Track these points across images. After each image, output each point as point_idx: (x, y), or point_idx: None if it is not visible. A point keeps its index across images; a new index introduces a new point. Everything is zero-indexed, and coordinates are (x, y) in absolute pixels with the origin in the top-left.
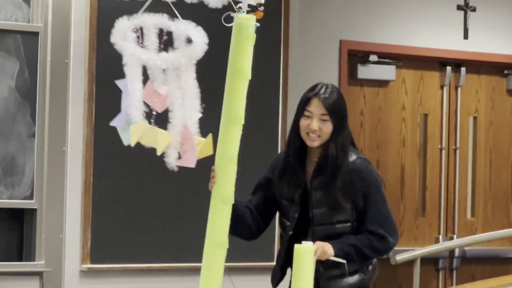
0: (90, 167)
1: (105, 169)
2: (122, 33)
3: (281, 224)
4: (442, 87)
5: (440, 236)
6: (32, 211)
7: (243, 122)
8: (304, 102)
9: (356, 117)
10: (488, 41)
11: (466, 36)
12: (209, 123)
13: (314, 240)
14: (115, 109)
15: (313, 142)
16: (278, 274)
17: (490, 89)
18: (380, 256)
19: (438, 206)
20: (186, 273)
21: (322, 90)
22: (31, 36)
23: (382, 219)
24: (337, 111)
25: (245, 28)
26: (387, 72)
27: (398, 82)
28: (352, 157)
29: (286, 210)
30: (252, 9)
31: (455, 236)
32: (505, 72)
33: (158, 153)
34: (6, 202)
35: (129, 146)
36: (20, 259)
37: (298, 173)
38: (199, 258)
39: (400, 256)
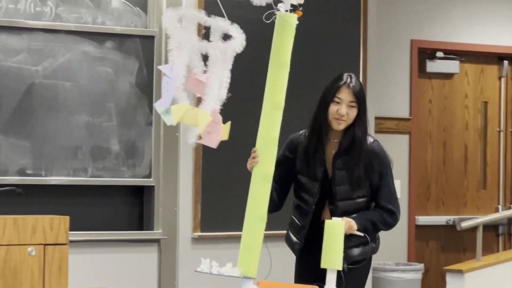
0: (200, 150)
1: (212, 152)
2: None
3: (300, 198)
4: (500, 78)
5: (500, 206)
6: (151, 188)
7: (283, 107)
8: (335, 90)
9: (426, 105)
10: None
11: None
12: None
13: (334, 214)
14: None
15: (340, 125)
16: (302, 242)
17: None
18: (387, 229)
19: (497, 180)
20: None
21: (349, 80)
22: (148, 39)
23: (392, 196)
24: (362, 99)
25: (289, 25)
26: (451, 66)
27: (462, 75)
28: (370, 140)
29: (307, 186)
30: (294, 8)
31: None
32: None
33: (200, 131)
34: (129, 180)
35: (238, 129)
36: (141, 228)
37: (321, 152)
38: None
39: (465, 223)
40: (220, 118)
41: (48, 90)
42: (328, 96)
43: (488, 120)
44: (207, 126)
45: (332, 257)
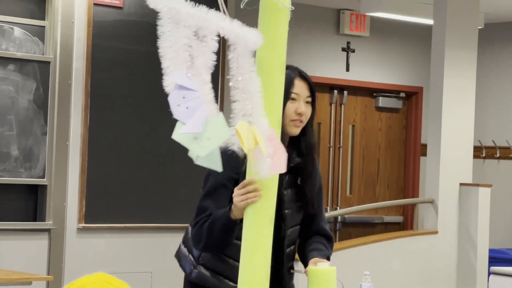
0: (86, 155)
1: (96, 156)
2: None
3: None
4: (330, 104)
5: (328, 207)
6: (44, 187)
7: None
8: (289, 84)
9: None
10: (362, 72)
11: (347, 69)
12: None
13: (282, 242)
14: (102, 116)
15: (298, 128)
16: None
17: (363, 106)
18: None
19: (327, 187)
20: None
21: (300, 69)
22: (45, 64)
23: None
24: (315, 93)
25: (285, 11)
26: None
27: None
28: None
29: None
30: None
31: (338, 207)
32: (374, 94)
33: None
34: (26, 180)
35: (116, 139)
36: (35, 220)
37: None
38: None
39: None
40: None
41: None
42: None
43: (321, 138)
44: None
45: None
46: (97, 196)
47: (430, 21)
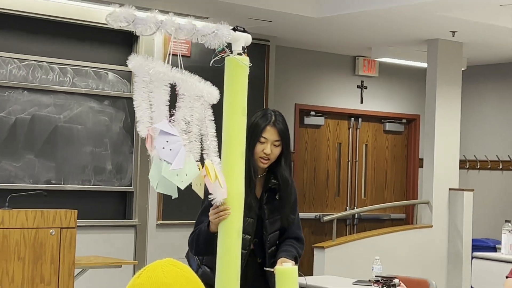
0: None
1: None
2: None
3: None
4: (348, 128)
5: (347, 207)
6: (131, 193)
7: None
8: (261, 130)
9: (303, 144)
10: (373, 104)
11: (361, 102)
12: None
13: (263, 246)
14: None
15: (265, 164)
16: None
17: (374, 130)
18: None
19: (346, 191)
20: None
21: (274, 118)
22: (131, 100)
23: (300, 225)
24: (286, 137)
25: (244, 68)
26: (319, 120)
27: (326, 126)
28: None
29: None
30: (243, 50)
31: (355, 207)
32: (382, 120)
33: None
34: (118, 188)
35: None
36: (124, 218)
37: (253, 189)
38: None
39: (326, 217)
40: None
41: (66, 130)
42: (255, 136)
43: (341, 154)
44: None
45: None
46: (171, 199)
47: (424, 64)
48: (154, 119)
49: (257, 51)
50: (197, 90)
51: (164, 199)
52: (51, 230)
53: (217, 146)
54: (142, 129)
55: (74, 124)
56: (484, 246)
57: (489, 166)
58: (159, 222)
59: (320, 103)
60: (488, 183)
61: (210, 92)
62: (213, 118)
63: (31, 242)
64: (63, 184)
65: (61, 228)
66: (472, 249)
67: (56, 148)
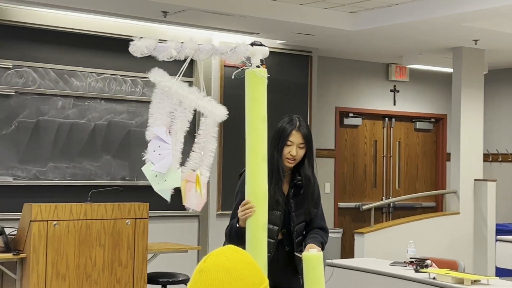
0: (221, 167)
1: (228, 168)
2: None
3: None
4: (383, 128)
5: (383, 197)
6: None
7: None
8: (288, 134)
9: (343, 142)
10: (405, 106)
11: (394, 104)
12: None
13: (291, 236)
14: (230, 141)
15: (291, 164)
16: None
17: (406, 128)
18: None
19: (382, 183)
20: None
21: (298, 123)
22: None
23: (323, 216)
24: (310, 140)
25: (263, 79)
26: (357, 121)
27: (363, 126)
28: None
29: (269, 216)
30: (261, 62)
31: (390, 197)
32: (413, 120)
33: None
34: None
35: (242, 156)
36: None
37: (280, 186)
38: None
39: (365, 206)
40: (196, 180)
41: (138, 134)
42: (283, 139)
43: (377, 151)
44: (187, 190)
45: None
46: (228, 192)
47: (450, 70)
48: (156, 125)
49: (301, 61)
50: (200, 108)
51: (223, 192)
52: (127, 221)
53: (212, 161)
54: (149, 134)
55: (144, 128)
56: (507, 230)
57: (510, 159)
58: (218, 212)
59: (358, 105)
60: (509, 174)
61: (214, 111)
62: (216, 135)
63: (110, 231)
64: (136, 181)
65: (135, 218)
66: (496, 232)
67: (130, 149)
